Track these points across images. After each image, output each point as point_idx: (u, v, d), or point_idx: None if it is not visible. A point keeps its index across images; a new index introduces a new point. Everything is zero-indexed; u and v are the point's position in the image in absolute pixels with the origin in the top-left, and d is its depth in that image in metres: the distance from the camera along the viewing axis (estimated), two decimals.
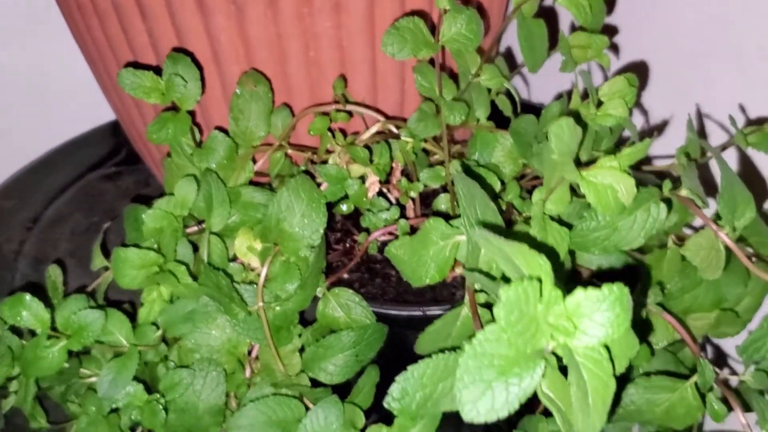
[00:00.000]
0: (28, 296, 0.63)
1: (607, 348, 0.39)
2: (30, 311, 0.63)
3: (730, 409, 0.61)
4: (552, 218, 0.55)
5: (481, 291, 0.52)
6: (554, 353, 0.41)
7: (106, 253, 0.78)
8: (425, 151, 0.79)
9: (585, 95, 0.64)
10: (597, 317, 0.36)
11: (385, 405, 0.47)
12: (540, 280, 0.36)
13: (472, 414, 0.38)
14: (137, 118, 0.89)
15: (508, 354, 0.38)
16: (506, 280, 0.52)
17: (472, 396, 0.38)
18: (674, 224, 0.73)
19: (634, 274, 0.69)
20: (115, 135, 1.31)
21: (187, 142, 0.75)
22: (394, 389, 0.46)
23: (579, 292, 0.37)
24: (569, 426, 0.43)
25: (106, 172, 1.26)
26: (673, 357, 0.71)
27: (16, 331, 0.74)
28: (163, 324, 0.70)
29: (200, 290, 0.65)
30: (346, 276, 0.77)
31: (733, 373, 0.72)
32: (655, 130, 0.92)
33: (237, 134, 0.77)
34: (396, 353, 0.76)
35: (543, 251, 0.46)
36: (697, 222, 0.70)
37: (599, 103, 0.62)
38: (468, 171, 0.67)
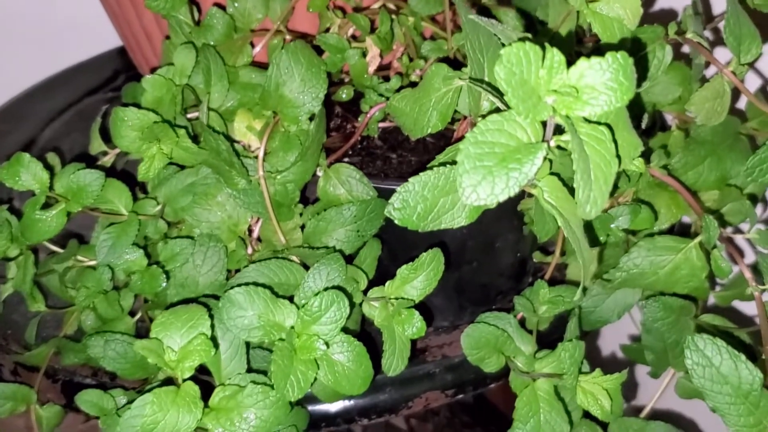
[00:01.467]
0: (26, 156, 0.62)
1: (610, 129, 0.38)
2: (29, 171, 0.62)
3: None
4: None
5: None
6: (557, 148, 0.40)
7: (106, 138, 0.78)
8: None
9: None
10: (600, 85, 0.36)
11: (386, 214, 0.46)
12: (542, 45, 0.35)
13: (472, 198, 0.37)
14: (140, 35, 0.87)
15: (509, 143, 0.38)
16: None
17: (472, 181, 0.37)
18: (678, 99, 0.72)
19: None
20: (116, 61, 1.31)
21: (185, 21, 0.74)
22: (395, 199, 0.45)
23: (582, 62, 0.36)
24: (572, 233, 0.42)
25: (103, 97, 1.25)
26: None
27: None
28: (163, 197, 0.70)
29: (200, 153, 0.65)
30: (346, 160, 0.76)
31: (738, 231, 0.71)
32: None
33: (235, 16, 0.76)
34: (398, 230, 0.75)
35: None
36: None
37: None
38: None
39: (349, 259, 0.71)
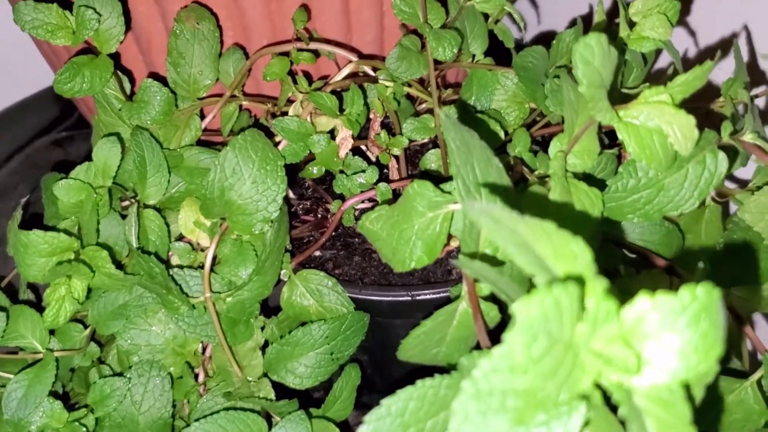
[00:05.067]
0: None
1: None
2: None
3: None
4: (576, 176, 0.41)
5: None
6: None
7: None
8: (410, 98, 0.65)
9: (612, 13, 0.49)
10: (671, 339, 0.23)
11: None
12: (579, 281, 0.22)
13: None
14: None
15: (528, 391, 0.24)
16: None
17: None
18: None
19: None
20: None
21: (115, 95, 0.60)
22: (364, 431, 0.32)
23: (642, 300, 0.23)
24: None
25: (55, 138, 1.11)
26: None
27: None
28: (90, 321, 0.57)
29: (127, 280, 0.52)
30: (317, 254, 0.63)
31: None
32: (718, 49, 0.72)
33: (178, 83, 0.62)
34: (380, 348, 0.63)
35: (569, 224, 0.33)
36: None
37: (631, 24, 0.47)
38: (465, 117, 0.53)
39: (324, 385, 0.58)
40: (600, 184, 0.41)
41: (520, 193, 0.41)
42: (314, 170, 0.62)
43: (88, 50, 0.58)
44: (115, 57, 0.60)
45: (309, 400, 0.60)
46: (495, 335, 0.41)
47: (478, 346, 0.43)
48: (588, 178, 0.42)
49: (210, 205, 0.52)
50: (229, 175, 0.52)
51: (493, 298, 0.39)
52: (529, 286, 0.36)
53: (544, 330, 0.21)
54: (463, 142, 0.37)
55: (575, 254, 0.25)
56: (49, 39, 0.53)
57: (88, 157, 1.08)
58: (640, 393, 0.24)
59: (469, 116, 0.53)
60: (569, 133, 0.40)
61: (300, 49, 0.61)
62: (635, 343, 0.23)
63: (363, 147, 0.66)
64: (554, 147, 0.40)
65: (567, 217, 0.38)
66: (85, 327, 0.58)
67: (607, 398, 0.28)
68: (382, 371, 0.65)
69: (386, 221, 0.45)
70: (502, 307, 0.39)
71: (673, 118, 0.36)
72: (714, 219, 0.58)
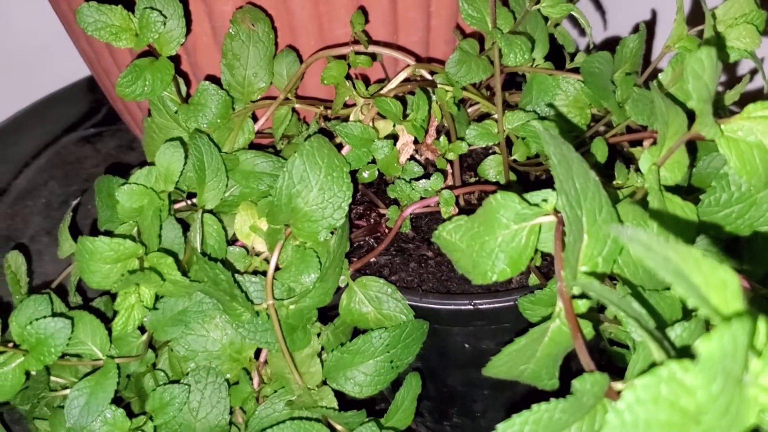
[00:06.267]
0: None
1: None
2: None
3: None
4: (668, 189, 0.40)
5: (581, 297, 0.38)
6: None
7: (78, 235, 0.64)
8: (460, 102, 0.64)
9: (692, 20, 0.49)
10: None
11: None
12: (751, 318, 0.21)
13: None
14: (112, 68, 0.73)
15: (679, 423, 0.24)
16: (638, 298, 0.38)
17: None
18: None
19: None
20: (94, 91, 1.15)
21: (170, 97, 0.59)
22: None
23: None
24: None
25: (83, 134, 1.11)
26: None
27: None
28: (148, 327, 0.56)
29: (192, 287, 0.51)
30: (373, 260, 0.62)
31: None
32: None
33: (232, 86, 0.62)
34: (436, 355, 0.62)
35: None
36: None
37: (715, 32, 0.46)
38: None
39: (382, 395, 0.58)
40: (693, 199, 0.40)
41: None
42: (366, 174, 0.61)
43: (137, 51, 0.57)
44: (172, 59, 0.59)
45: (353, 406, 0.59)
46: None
47: (565, 362, 0.42)
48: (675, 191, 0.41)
49: (276, 211, 0.52)
50: (297, 181, 0.51)
51: (588, 318, 0.38)
52: (645, 305, 0.36)
53: (722, 369, 0.20)
54: (563, 157, 0.36)
55: (725, 282, 0.24)
56: (112, 42, 0.52)
57: (117, 154, 1.08)
58: None
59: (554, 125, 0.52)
60: (663, 146, 0.39)
61: (358, 53, 0.61)
62: None
63: (413, 151, 0.65)
64: (647, 160, 0.40)
65: (665, 233, 0.38)
66: (142, 332, 0.57)
67: None
68: (436, 378, 0.65)
69: (465, 232, 0.44)
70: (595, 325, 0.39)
71: None
72: None
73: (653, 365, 0.31)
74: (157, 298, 0.55)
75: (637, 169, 0.49)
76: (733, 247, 0.48)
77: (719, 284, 0.24)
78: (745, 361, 0.22)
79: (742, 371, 0.22)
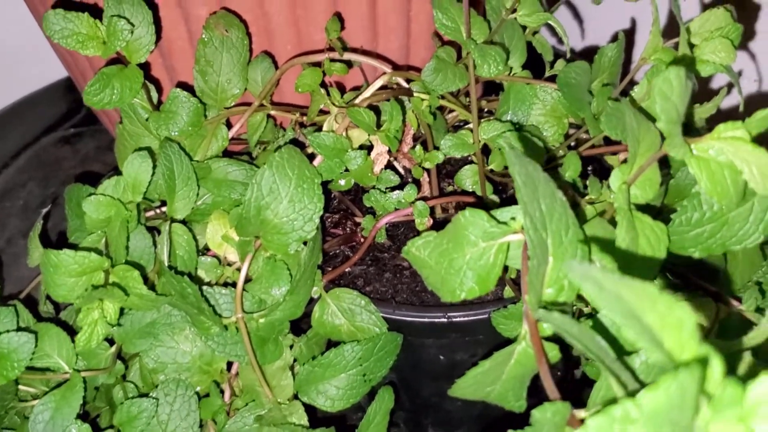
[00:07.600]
0: None
1: None
2: None
3: None
4: (638, 208, 0.39)
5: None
6: None
7: (48, 244, 0.63)
8: (438, 109, 0.63)
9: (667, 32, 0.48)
10: None
11: None
12: (703, 362, 0.21)
13: None
14: (87, 71, 0.72)
15: None
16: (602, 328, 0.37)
17: None
18: None
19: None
20: (73, 92, 1.14)
21: (141, 104, 0.58)
22: None
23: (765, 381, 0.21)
24: None
25: (63, 135, 1.09)
26: None
27: None
28: (117, 339, 0.55)
29: (159, 301, 0.50)
30: (347, 269, 0.61)
31: None
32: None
33: (205, 92, 0.61)
34: (410, 367, 0.61)
35: (637, 260, 0.31)
36: None
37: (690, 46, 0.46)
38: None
39: (354, 409, 0.57)
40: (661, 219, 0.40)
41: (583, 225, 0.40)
42: (342, 182, 0.60)
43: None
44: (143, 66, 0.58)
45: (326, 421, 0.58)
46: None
47: (533, 383, 0.41)
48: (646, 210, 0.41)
49: (246, 224, 0.51)
50: (266, 193, 0.50)
51: (554, 338, 0.37)
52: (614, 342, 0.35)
53: (668, 419, 0.20)
54: (529, 177, 0.35)
55: (681, 321, 0.23)
56: (78, 50, 0.51)
57: (97, 155, 1.07)
58: None
59: (523, 138, 0.51)
60: (634, 164, 0.38)
61: (333, 60, 0.60)
62: (749, 420, 0.21)
63: (391, 159, 0.64)
64: (617, 178, 0.39)
65: (633, 254, 0.37)
66: (111, 344, 0.56)
67: None
68: (410, 390, 0.64)
69: (434, 249, 0.43)
70: (562, 346, 0.38)
71: (750, 156, 0.35)
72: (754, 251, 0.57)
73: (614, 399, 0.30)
74: (125, 310, 0.54)
75: None
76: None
77: (675, 324, 0.23)
78: (694, 409, 0.21)
79: (692, 419, 0.21)
